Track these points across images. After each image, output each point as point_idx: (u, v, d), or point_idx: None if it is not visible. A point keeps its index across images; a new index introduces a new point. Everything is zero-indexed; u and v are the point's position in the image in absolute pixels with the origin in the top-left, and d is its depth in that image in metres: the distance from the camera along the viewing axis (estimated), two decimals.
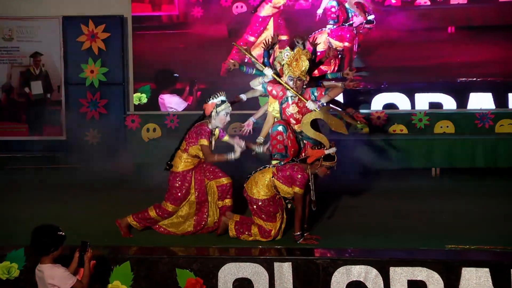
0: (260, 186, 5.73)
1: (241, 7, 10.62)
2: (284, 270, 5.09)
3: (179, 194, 6.08)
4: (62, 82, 10.65)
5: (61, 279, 4.47)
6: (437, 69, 10.62)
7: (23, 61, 10.67)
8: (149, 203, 6.20)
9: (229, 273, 5.12)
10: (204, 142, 5.93)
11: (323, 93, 6.16)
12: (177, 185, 6.09)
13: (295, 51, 6.17)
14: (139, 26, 10.72)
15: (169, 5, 10.74)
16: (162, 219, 6.12)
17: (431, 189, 8.64)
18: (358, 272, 5.03)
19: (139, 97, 10.66)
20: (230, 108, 6.12)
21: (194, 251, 5.46)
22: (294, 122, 6.21)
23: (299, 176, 5.54)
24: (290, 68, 6.08)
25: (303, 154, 6.18)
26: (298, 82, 6.05)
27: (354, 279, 5.03)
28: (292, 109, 6.17)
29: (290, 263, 5.11)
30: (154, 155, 9.13)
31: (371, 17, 10.32)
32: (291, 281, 5.08)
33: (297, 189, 5.56)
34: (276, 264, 5.11)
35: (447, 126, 10.22)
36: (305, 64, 6.05)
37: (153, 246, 5.65)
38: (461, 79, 10.65)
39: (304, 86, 6.20)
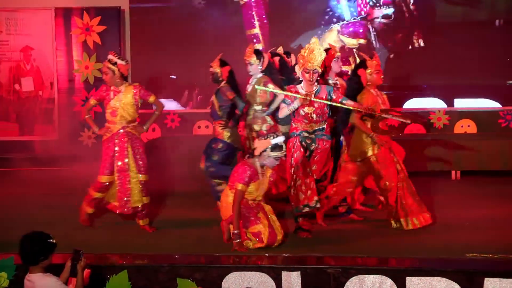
0: (229, 204, 5.94)
1: None
2: (293, 280, 5.11)
3: (103, 163, 6.70)
4: (55, 78, 10.72)
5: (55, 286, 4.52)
6: (482, 70, 10.46)
7: (13, 56, 10.75)
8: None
9: (233, 282, 5.13)
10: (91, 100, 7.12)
11: (340, 100, 6.32)
12: (102, 154, 6.72)
13: (311, 42, 6.28)
14: (138, 18, 10.80)
15: None
16: (101, 193, 6.74)
17: (451, 193, 8.67)
18: (372, 282, 5.05)
19: None
20: None
21: (197, 259, 5.49)
22: (307, 121, 6.33)
23: (240, 170, 5.76)
24: (306, 60, 6.18)
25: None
26: (314, 74, 6.17)
27: None
28: (307, 109, 6.26)
29: (299, 272, 5.12)
30: (153, 156, 9.14)
31: (389, 10, 10.15)
32: None
33: (238, 185, 5.73)
34: (283, 273, 5.12)
35: (468, 126, 10.20)
36: (323, 55, 6.23)
37: (152, 253, 5.69)
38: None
39: (318, 79, 6.35)
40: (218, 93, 7.37)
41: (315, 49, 6.18)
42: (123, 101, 6.68)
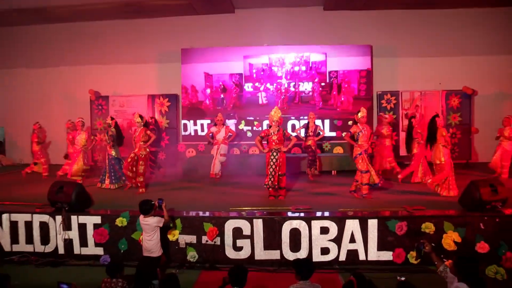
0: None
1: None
2: (258, 224, 5.10)
3: (72, 159, 8.18)
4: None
5: (158, 222, 4.62)
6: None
7: (128, 117, 10.45)
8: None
9: (230, 224, 5.12)
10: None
11: (289, 136, 6.34)
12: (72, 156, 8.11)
13: (274, 109, 6.34)
14: (185, 100, 10.41)
15: (195, 93, 10.44)
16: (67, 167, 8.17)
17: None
18: (296, 223, 5.08)
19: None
20: None
21: (213, 214, 5.29)
22: (274, 144, 6.18)
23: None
24: (272, 116, 6.26)
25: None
26: (275, 123, 6.23)
27: (294, 227, 5.07)
28: (274, 137, 6.20)
29: (262, 219, 5.11)
30: (193, 164, 9.13)
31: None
32: (262, 229, 5.09)
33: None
34: (254, 220, 5.11)
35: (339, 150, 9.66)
36: (279, 115, 6.27)
37: (193, 210, 5.52)
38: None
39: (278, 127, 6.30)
40: (107, 133, 7.46)
41: (276, 112, 6.26)
42: (82, 138, 7.84)
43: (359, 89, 10.11)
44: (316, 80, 10.13)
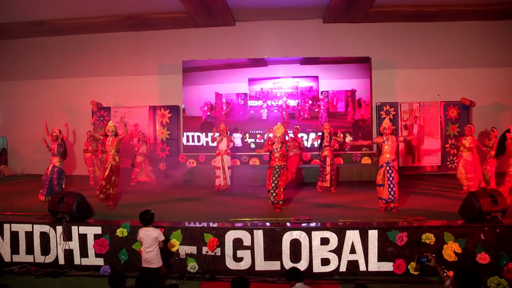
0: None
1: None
2: (259, 235, 5.09)
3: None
4: (148, 137, 10.71)
5: (159, 234, 4.64)
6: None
7: (130, 128, 10.45)
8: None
9: (231, 235, 5.11)
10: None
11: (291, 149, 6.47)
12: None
13: (278, 125, 6.38)
14: (187, 112, 10.53)
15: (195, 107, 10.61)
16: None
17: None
18: (296, 234, 5.07)
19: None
20: None
21: (214, 225, 5.33)
22: (277, 160, 6.24)
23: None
24: (275, 132, 6.30)
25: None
26: (279, 139, 6.26)
27: (294, 238, 5.05)
28: (277, 154, 6.25)
29: (262, 230, 5.10)
30: (193, 174, 9.15)
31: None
32: (262, 239, 5.07)
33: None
34: (255, 231, 5.09)
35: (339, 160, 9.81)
36: (282, 131, 6.32)
37: (193, 221, 5.51)
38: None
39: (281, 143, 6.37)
40: (58, 145, 7.27)
41: (279, 127, 6.31)
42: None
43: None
44: (321, 97, 10.38)
